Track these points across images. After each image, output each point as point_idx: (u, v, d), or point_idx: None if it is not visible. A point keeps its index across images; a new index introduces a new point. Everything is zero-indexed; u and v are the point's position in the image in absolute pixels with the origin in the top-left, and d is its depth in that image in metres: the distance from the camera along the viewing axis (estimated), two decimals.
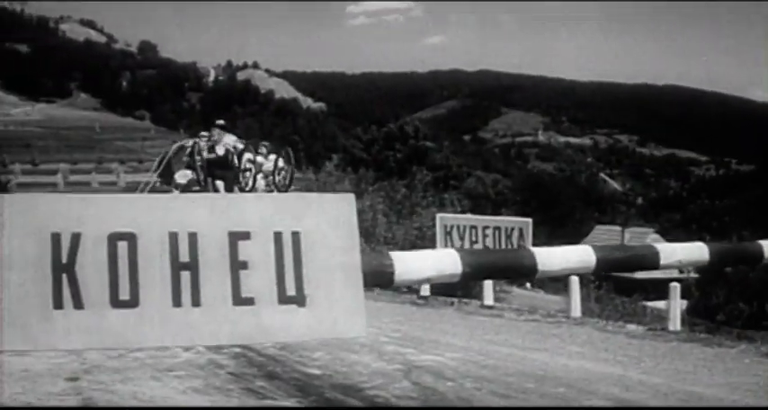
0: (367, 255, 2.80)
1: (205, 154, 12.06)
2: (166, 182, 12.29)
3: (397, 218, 24.94)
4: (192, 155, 12.19)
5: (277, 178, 12.67)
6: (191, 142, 12.54)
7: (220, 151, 12.09)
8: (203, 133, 12.64)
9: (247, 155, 12.46)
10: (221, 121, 13.09)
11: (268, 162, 13.21)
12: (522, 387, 6.42)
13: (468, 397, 5.97)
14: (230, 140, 12.48)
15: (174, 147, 13.01)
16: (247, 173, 12.28)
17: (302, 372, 6.87)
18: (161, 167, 12.79)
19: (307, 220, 2.55)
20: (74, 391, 5.88)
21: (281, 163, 12.92)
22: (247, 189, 11.92)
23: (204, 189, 11.68)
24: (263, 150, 13.51)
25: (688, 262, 3.75)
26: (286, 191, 11.57)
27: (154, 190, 11.79)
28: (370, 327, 2.68)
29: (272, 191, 12.02)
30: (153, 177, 12.81)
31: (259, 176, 12.65)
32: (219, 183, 11.92)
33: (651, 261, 3.60)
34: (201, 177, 11.94)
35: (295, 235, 2.54)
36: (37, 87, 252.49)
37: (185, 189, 11.42)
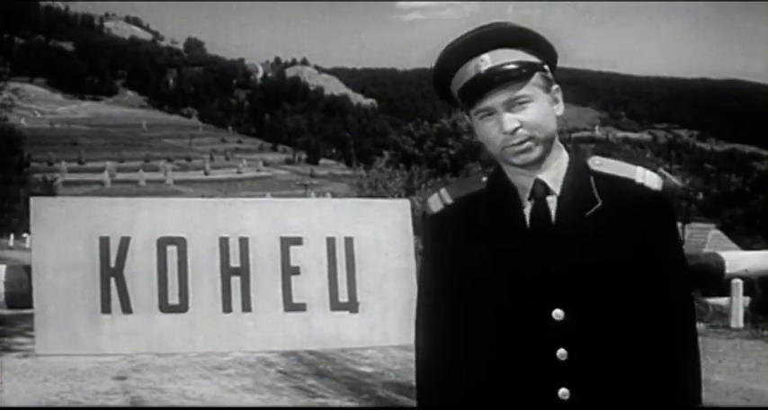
0: None
1: None
2: None
3: None
4: None
5: None
6: None
7: None
8: None
9: None
10: None
11: None
12: None
13: None
14: None
15: None
16: None
17: (353, 370, 6.79)
18: None
19: (361, 226, 2.49)
20: (122, 390, 5.87)
21: None
22: None
23: None
24: None
25: (756, 272, 3.52)
26: None
27: None
28: None
29: None
30: None
31: None
32: None
33: (716, 270, 3.44)
34: None
35: (348, 240, 2.48)
36: (83, 85, 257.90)
37: None
